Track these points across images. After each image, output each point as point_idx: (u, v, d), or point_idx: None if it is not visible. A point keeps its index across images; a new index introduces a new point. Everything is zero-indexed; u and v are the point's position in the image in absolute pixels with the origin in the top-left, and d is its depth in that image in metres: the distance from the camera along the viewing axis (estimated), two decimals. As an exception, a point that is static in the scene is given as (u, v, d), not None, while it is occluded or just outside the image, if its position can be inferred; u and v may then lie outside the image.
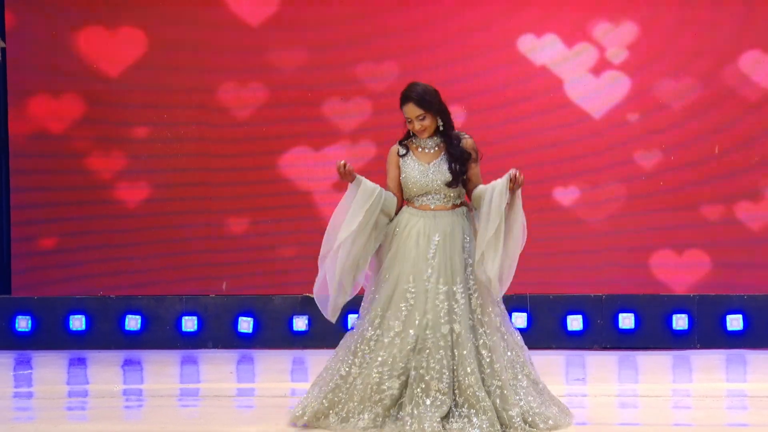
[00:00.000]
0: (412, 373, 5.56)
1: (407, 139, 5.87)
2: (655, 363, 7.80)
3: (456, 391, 5.56)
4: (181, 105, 8.49)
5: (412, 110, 5.75)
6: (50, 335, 8.44)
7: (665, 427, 6.02)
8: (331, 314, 5.85)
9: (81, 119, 8.52)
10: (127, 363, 7.99)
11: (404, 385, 5.58)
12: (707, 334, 8.26)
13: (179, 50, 8.46)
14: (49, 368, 7.80)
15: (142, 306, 8.46)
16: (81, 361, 8.07)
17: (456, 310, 5.63)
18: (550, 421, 5.60)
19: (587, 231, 8.42)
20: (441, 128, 5.80)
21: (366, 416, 5.57)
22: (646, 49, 8.31)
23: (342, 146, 8.48)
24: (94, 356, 8.19)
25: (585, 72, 8.37)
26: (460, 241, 5.72)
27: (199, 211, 8.50)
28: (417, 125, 5.76)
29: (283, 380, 7.43)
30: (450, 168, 5.77)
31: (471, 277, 5.69)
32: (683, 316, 8.28)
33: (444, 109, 5.79)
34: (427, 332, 5.60)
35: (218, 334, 8.44)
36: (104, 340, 8.43)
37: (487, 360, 5.62)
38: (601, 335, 8.32)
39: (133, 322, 8.45)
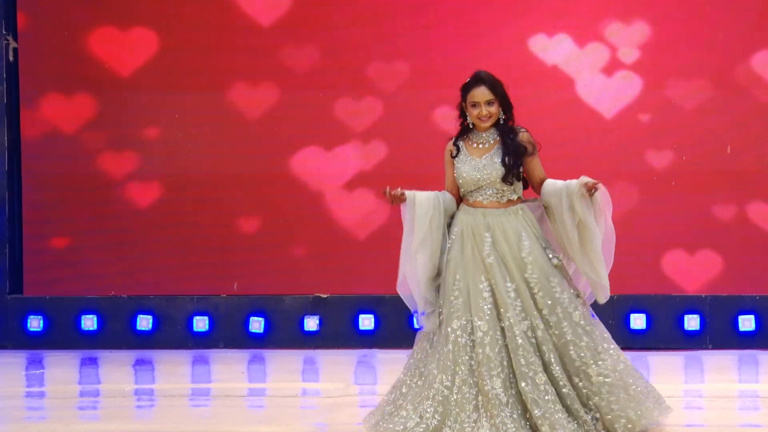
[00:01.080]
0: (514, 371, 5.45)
1: (460, 137, 5.74)
2: (666, 363, 7.78)
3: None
4: (192, 105, 8.49)
5: (483, 94, 5.62)
6: (62, 335, 8.46)
7: (677, 427, 6.00)
8: (429, 324, 5.69)
9: (93, 119, 8.54)
10: (139, 363, 8.01)
11: (506, 385, 5.45)
12: (719, 334, 8.24)
13: (191, 50, 8.46)
14: (61, 368, 7.82)
15: (153, 306, 8.47)
16: (92, 361, 8.08)
17: (526, 306, 5.53)
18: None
19: (599, 231, 8.38)
20: (501, 121, 5.69)
21: (485, 423, 5.43)
22: (657, 49, 8.29)
23: (353, 146, 8.48)
24: (105, 356, 8.20)
25: (596, 72, 8.35)
26: (516, 243, 5.59)
27: (211, 211, 8.51)
28: (484, 110, 5.63)
29: (294, 380, 7.44)
30: (503, 161, 5.64)
31: (533, 276, 5.56)
32: (695, 316, 8.26)
33: (509, 102, 5.69)
34: (515, 329, 5.49)
35: (229, 334, 8.45)
36: (116, 340, 8.45)
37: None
38: (613, 335, 8.25)
39: (144, 322, 8.46)
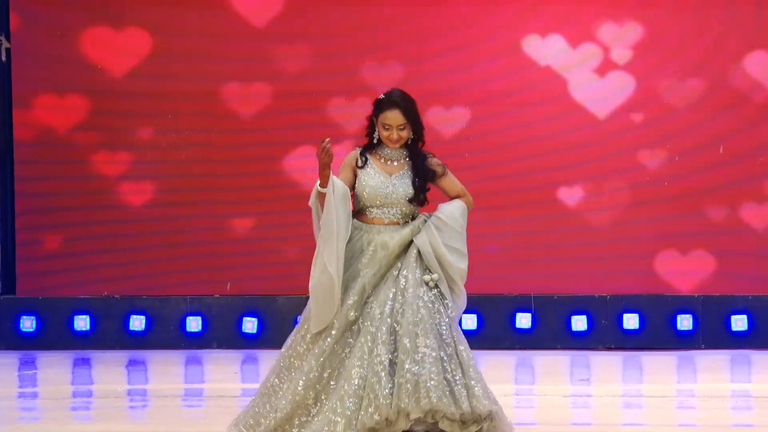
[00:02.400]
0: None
1: (368, 149, 5.59)
2: (659, 363, 7.79)
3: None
4: (185, 106, 8.48)
5: (396, 118, 5.50)
6: (55, 335, 8.44)
7: (670, 427, 6.01)
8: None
9: (86, 120, 8.53)
10: (132, 363, 8.00)
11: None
12: (712, 334, 8.25)
13: (184, 51, 8.46)
14: (54, 368, 7.81)
15: (146, 306, 8.47)
16: (85, 362, 8.07)
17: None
18: None
19: (592, 232, 8.40)
20: (410, 141, 5.55)
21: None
22: (650, 50, 8.30)
23: (346, 148, 8.46)
24: (98, 356, 8.19)
25: (590, 72, 8.36)
26: (394, 258, 5.51)
27: (204, 212, 8.50)
28: (395, 134, 5.51)
29: (287, 380, 7.42)
30: (413, 183, 5.54)
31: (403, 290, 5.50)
32: (688, 316, 8.27)
33: (420, 124, 5.58)
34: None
35: (222, 335, 8.44)
36: (109, 341, 8.44)
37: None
38: (606, 335, 8.31)
39: (137, 323, 8.45)
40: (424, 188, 5.60)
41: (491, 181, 8.42)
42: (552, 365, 7.77)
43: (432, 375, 5.29)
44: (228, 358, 8.10)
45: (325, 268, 5.53)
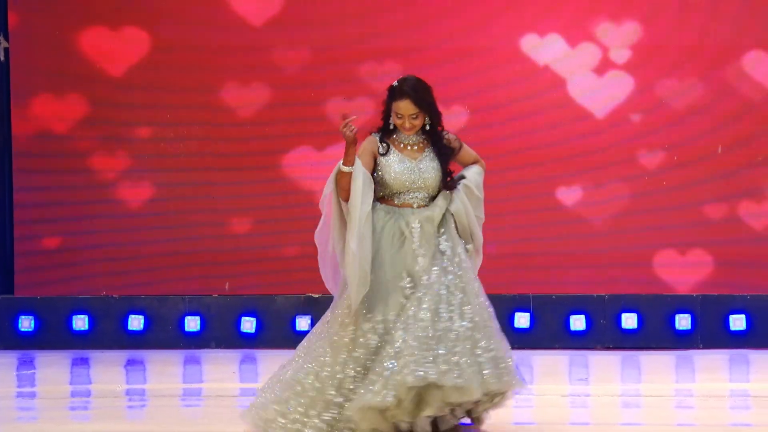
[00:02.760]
0: None
1: (386, 136, 5.55)
2: (658, 363, 7.79)
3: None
4: (184, 105, 8.48)
5: (407, 107, 5.46)
6: (53, 335, 8.44)
7: (668, 427, 6.01)
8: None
9: (84, 119, 8.52)
10: (130, 363, 7.99)
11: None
12: (710, 334, 8.25)
13: (182, 50, 8.45)
14: (52, 368, 7.80)
15: (144, 306, 8.46)
16: (84, 361, 8.07)
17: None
18: None
19: (590, 230, 8.40)
20: (428, 127, 5.53)
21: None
22: (649, 49, 8.30)
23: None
24: (96, 356, 8.18)
25: (588, 71, 8.36)
26: (435, 234, 5.51)
27: (202, 211, 8.50)
28: (408, 124, 5.48)
29: (285, 380, 7.41)
30: (441, 168, 5.52)
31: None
32: (686, 316, 8.27)
33: (435, 108, 5.53)
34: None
35: (221, 334, 8.44)
36: (107, 340, 8.43)
37: None
38: (604, 335, 8.31)
39: (135, 322, 8.45)
40: (451, 173, 5.58)
41: (489, 179, 8.39)
42: (550, 365, 7.77)
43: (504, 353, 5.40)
44: (226, 358, 8.09)
45: (349, 248, 5.44)
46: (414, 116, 5.49)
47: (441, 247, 5.51)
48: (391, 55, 8.39)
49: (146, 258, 8.49)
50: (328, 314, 5.67)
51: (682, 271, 8.34)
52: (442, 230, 5.54)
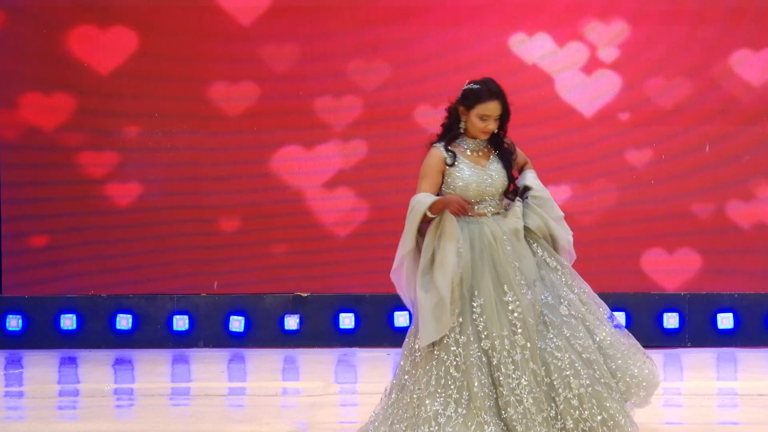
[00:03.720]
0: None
1: (449, 143, 5.41)
2: (646, 361, 7.80)
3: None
4: (172, 103, 8.47)
5: (497, 108, 5.38)
6: (41, 334, 8.42)
7: (656, 425, 6.02)
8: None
9: (72, 117, 8.50)
10: (118, 362, 7.98)
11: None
12: (698, 332, 8.27)
13: (171, 49, 8.44)
14: (40, 367, 7.79)
15: (132, 305, 8.45)
16: (72, 361, 8.05)
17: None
18: None
19: (579, 231, 8.37)
20: (496, 131, 5.44)
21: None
22: (636, 48, 8.31)
23: (334, 144, 8.47)
24: (84, 355, 8.17)
25: (576, 70, 8.37)
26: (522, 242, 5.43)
27: (191, 209, 8.48)
28: (491, 125, 5.38)
29: (274, 379, 7.43)
30: (506, 175, 5.42)
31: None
32: (674, 314, 8.29)
33: (509, 114, 5.49)
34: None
35: (209, 333, 8.43)
36: (95, 339, 8.41)
37: None
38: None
39: (124, 321, 8.43)
40: (514, 179, 5.46)
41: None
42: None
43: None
44: (215, 357, 8.09)
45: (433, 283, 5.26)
46: (497, 118, 5.41)
47: (550, 263, 5.44)
48: (380, 54, 8.39)
49: (134, 256, 8.48)
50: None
51: (670, 269, 8.36)
52: (537, 247, 5.44)
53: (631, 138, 8.36)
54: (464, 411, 5.17)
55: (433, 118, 8.47)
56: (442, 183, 5.39)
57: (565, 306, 5.36)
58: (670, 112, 8.33)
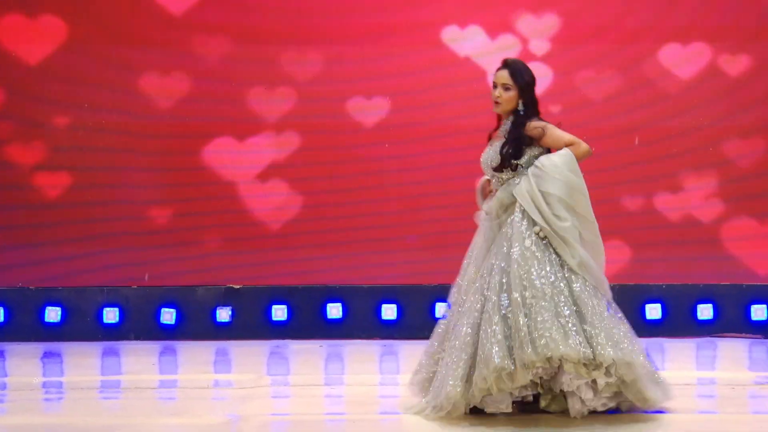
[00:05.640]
0: None
1: (496, 129, 5.93)
2: (576, 352, 7.87)
3: None
4: (102, 93, 8.38)
5: (501, 77, 5.79)
6: (-32, 327, 8.30)
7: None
8: None
9: (0, 108, 8.38)
10: (47, 355, 7.90)
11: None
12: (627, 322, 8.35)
13: (100, 39, 8.35)
14: (-33, 361, 7.68)
15: (62, 297, 8.36)
16: None
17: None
18: None
19: (510, 221, 8.46)
20: (521, 113, 5.77)
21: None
22: (567, 42, 8.39)
23: (266, 136, 8.45)
24: (12, 348, 8.07)
25: (508, 63, 8.40)
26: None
27: (121, 202, 8.41)
28: (497, 92, 5.77)
29: (206, 371, 7.39)
30: (501, 150, 5.76)
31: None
32: (604, 305, 8.36)
33: (532, 96, 5.77)
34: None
35: (140, 326, 8.37)
36: (23, 332, 8.31)
37: None
38: (524, 325, 8.36)
39: (53, 314, 8.34)
40: (515, 156, 5.71)
41: (412, 171, 8.45)
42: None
43: (544, 324, 5.46)
44: (146, 350, 8.03)
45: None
46: (507, 87, 5.74)
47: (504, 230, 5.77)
48: (313, 45, 8.38)
49: (64, 249, 8.39)
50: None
51: (600, 260, 8.43)
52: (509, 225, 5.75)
53: (561, 129, 8.41)
54: None
55: (366, 108, 8.51)
56: None
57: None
58: (600, 105, 8.42)
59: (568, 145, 5.86)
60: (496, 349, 5.44)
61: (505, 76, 5.78)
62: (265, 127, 8.44)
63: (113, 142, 8.39)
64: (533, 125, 5.79)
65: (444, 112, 8.44)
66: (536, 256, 5.59)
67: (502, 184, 5.82)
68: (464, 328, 5.58)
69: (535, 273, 5.58)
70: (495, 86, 5.82)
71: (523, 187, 5.73)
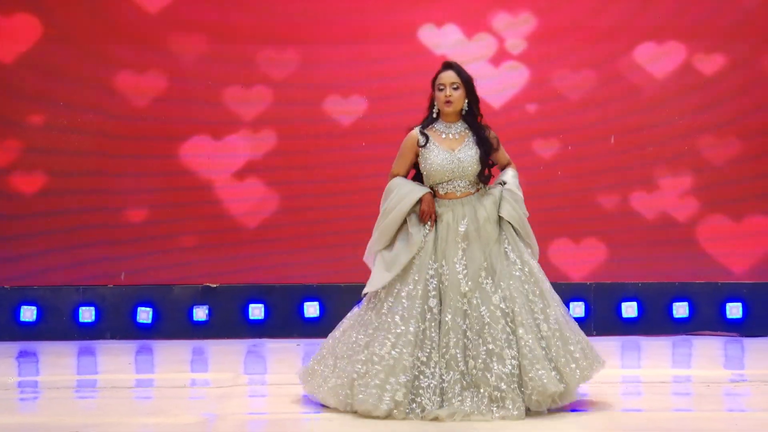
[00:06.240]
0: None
1: (425, 127, 5.94)
2: (552, 350, 7.89)
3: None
4: (78, 92, 8.35)
5: (449, 77, 5.88)
6: (-58, 327, 8.26)
7: (560, 412, 6.10)
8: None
9: (-26, 106, 8.35)
10: (22, 354, 7.86)
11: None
12: (603, 321, 8.40)
13: (76, 37, 8.32)
14: (-58, 361, 7.64)
15: (37, 296, 8.33)
16: (-25, 353, 7.92)
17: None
18: None
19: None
20: (465, 112, 5.89)
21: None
22: (543, 41, 8.41)
23: (243, 135, 8.44)
24: (-12, 348, 8.03)
25: (484, 62, 8.44)
26: (495, 213, 5.88)
27: (97, 200, 8.38)
28: (448, 91, 5.86)
29: (182, 370, 7.38)
30: (480, 156, 5.88)
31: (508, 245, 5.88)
32: (580, 303, 8.41)
33: (475, 95, 5.92)
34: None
35: (116, 325, 8.34)
36: (-1, 332, 8.28)
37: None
38: (500, 323, 8.38)
39: (28, 313, 8.31)
40: (488, 163, 5.92)
41: (388, 170, 8.45)
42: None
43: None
44: (122, 349, 8.01)
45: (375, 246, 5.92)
46: (455, 86, 5.88)
47: (510, 256, 5.86)
48: (290, 44, 8.37)
49: (39, 248, 8.35)
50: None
51: (576, 259, 8.48)
52: (504, 236, 5.88)
53: (538, 128, 8.45)
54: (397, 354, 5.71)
55: (342, 108, 8.51)
56: (418, 164, 5.94)
57: (499, 297, 5.78)
58: (576, 103, 8.45)
59: (509, 163, 6.12)
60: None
61: (452, 75, 5.91)
62: (242, 126, 8.43)
63: (89, 141, 8.36)
64: (493, 135, 6.00)
65: (420, 109, 8.43)
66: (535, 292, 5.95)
67: (473, 187, 5.91)
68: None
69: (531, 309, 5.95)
70: (442, 88, 5.90)
71: (515, 214, 5.95)
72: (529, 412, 5.73)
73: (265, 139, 8.41)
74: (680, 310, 8.44)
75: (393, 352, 5.70)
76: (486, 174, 5.92)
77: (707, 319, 8.41)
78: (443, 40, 8.39)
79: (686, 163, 8.44)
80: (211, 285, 8.40)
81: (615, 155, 8.44)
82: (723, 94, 8.41)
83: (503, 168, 6.09)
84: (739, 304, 8.43)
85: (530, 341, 5.70)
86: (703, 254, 8.44)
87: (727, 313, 8.43)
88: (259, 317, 8.39)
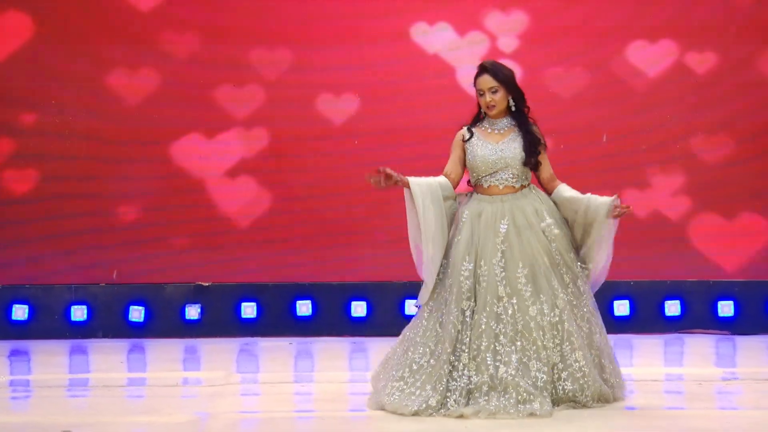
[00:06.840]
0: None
1: (475, 125, 5.94)
2: (544, 348, 7.90)
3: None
4: (70, 91, 8.34)
5: (486, 81, 5.84)
6: (-66, 326, 8.25)
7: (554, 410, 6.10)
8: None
9: (-34, 105, 8.33)
10: (14, 353, 7.85)
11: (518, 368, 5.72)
12: (595, 319, 8.40)
13: (68, 35, 8.31)
14: (-67, 359, 7.63)
15: (29, 295, 8.32)
16: (-34, 352, 7.91)
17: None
18: None
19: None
20: (512, 108, 5.86)
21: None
22: (535, 39, 8.42)
23: (235, 134, 8.43)
24: (-20, 347, 8.02)
25: (477, 60, 8.38)
26: (536, 219, 5.84)
27: (89, 199, 8.38)
28: (488, 97, 5.83)
29: (175, 369, 7.38)
30: (524, 146, 5.84)
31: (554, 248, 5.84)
32: (572, 301, 8.40)
33: (518, 90, 5.87)
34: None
35: (108, 324, 8.34)
36: (-10, 331, 8.27)
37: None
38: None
39: (20, 312, 8.30)
40: (536, 151, 5.86)
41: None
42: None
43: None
44: (114, 348, 8.00)
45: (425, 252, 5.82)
46: (493, 90, 5.85)
47: (560, 272, 5.87)
48: (282, 42, 8.37)
49: (31, 246, 8.34)
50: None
51: (568, 257, 8.47)
52: (556, 249, 5.87)
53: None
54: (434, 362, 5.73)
55: (335, 106, 8.50)
56: (465, 155, 5.93)
57: (536, 309, 5.79)
58: (568, 102, 8.46)
59: (550, 176, 6.06)
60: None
61: (488, 80, 5.86)
62: (234, 124, 8.42)
63: (80, 140, 8.35)
64: (540, 132, 5.97)
65: (412, 108, 8.45)
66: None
67: (517, 181, 5.87)
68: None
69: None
70: (482, 93, 5.87)
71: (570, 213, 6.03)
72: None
73: (257, 139, 8.41)
74: (672, 308, 8.46)
75: (431, 361, 5.72)
76: (533, 162, 5.87)
77: (699, 318, 8.43)
78: (435, 38, 8.39)
79: (678, 161, 8.45)
80: (203, 284, 8.40)
81: (607, 153, 8.45)
82: (716, 94, 8.42)
83: (547, 180, 6.01)
84: (731, 303, 8.44)
85: (580, 358, 5.78)
86: (695, 253, 8.46)
87: (719, 311, 8.44)
88: (252, 316, 8.39)
